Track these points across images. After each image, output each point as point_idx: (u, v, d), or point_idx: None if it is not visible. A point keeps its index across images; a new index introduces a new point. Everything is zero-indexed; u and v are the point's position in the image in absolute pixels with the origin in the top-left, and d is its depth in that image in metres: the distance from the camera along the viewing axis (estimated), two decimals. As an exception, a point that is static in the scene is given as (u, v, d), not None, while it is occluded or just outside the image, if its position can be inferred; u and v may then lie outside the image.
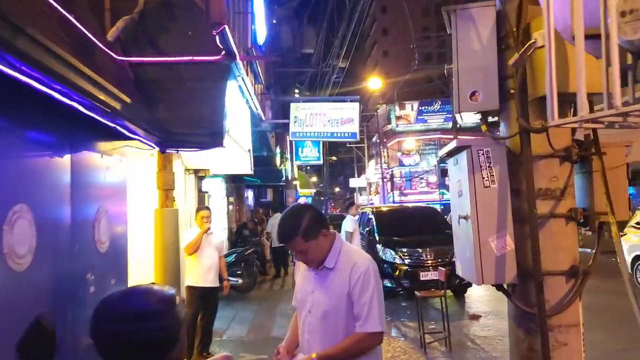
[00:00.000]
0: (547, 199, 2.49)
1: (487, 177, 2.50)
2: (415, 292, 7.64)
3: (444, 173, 32.39)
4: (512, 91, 2.58)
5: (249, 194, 18.08)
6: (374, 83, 24.45)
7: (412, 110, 48.85)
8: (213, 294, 6.76)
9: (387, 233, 11.40)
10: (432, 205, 25.63)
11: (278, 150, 11.90)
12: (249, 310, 9.55)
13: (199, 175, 7.74)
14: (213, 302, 6.84)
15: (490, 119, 2.81)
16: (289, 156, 16.03)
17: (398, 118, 48.71)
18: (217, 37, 4.71)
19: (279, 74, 16.90)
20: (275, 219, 13.71)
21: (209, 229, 6.62)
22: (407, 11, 15.86)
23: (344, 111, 8.14)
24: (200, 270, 6.58)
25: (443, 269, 7.52)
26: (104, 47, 4.36)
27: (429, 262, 10.56)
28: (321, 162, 20.18)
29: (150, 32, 5.24)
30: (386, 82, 27.67)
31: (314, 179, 40.34)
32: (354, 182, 58.52)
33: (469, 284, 10.76)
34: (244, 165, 7.22)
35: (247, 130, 6.73)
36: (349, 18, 10.47)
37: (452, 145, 2.75)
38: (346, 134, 8.20)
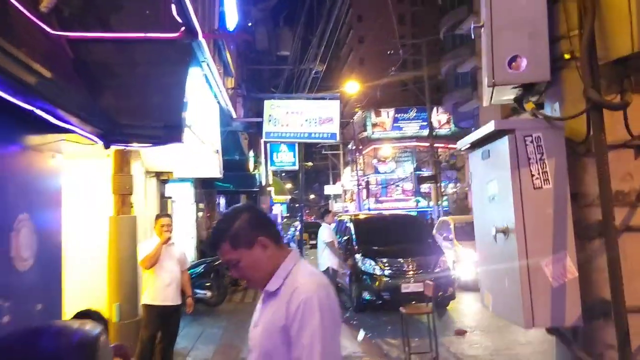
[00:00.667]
0: (617, 205, 1.75)
1: (539, 174, 1.75)
2: (401, 309, 6.89)
3: (421, 181, 31.83)
4: (567, 56, 1.85)
5: (221, 201, 17.17)
6: (351, 87, 23.76)
7: (388, 117, 48.57)
8: (174, 313, 5.88)
9: (366, 242, 10.66)
10: (411, 213, 25.09)
11: (251, 154, 11.10)
12: (217, 326, 8.66)
13: (162, 178, 6.87)
14: (174, 322, 5.96)
15: (530, 99, 2.07)
16: (263, 160, 15.16)
17: (374, 125, 48.35)
18: (173, 7, 3.90)
19: (252, 73, 16.05)
20: None
21: (169, 239, 5.76)
22: (390, 11, 15.23)
23: (323, 109, 7.33)
24: (159, 287, 5.70)
25: (430, 282, 6.79)
26: (33, 18, 3.51)
27: (411, 273, 9.86)
28: (297, 167, 19.30)
29: (100, 8, 4.41)
30: (363, 87, 27.04)
31: (289, 185, 39.49)
32: (329, 189, 57.84)
33: (452, 297, 10.08)
34: (212, 168, 6.39)
35: (215, 128, 5.92)
36: (327, 15, 9.82)
37: (485, 130, 2.00)
38: (325, 135, 7.40)
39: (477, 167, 2.20)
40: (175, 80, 4.11)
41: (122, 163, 6.12)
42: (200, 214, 12.42)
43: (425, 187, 41.96)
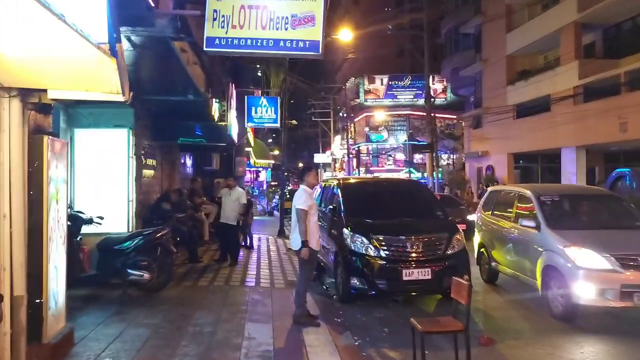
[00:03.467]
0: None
1: None
2: (413, 323, 4.32)
3: (416, 149, 29.19)
4: None
5: (187, 160, 14.43)
6: (345, 35, 20.66)
7: (382, 84, 45.74)
8: None
9: (357, 213, 8.07)
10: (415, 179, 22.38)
11: (211, 95, 8.39)
12: (145, 325, 6.06)
13: (31, 101, 4.14)
14: None
15: None
16: (233, 110, 12.27)
17: (367, 92, 45.52)
18: None
19: None
20: (225, 192, 10.21)
21: None
22: None
23: (299, 3, 4.56)
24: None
25: (464, 282, 4.23)
26: None
27: (416, 255, 7.29)
28: (278, 124, 16.52)
29: None
30: (357, 34, 23.92)
31: (276, 152, 36.68)
32: (318, 158, 55.34)
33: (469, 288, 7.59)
34: (107, 83, 3.68)
35: (97, 6, 3.24)
36: None
37: None
38: (302, 44, 4.60)
39: None
40: None
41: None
42: (150, 172, 9.69)
43: (417, 158, 39.53)
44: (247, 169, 19.42)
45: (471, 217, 13.31)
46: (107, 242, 7.33)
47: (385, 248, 7.32)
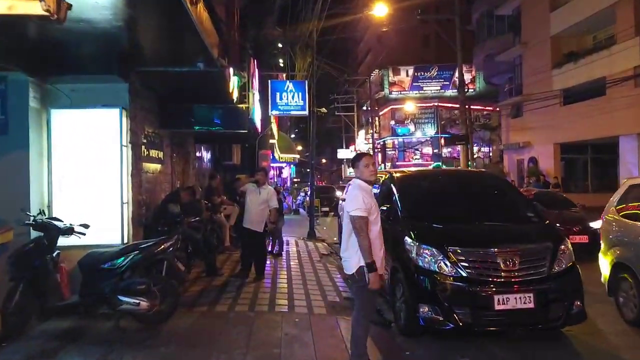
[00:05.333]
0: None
1: None
2: None
3: (449, 142, 26.87)
4: None
5: (204, 153, 12.48)
6: (380, 10, 18.35)
7: (407, 76, 43.33)
8: None
9: (421, 216, 6.00)
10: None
11: (227, 64, 6.41)
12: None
13: None
14: None
15: None
16: (253, 86, 10.12)
17: (391, 84, 43.16)
18: None
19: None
20: (251, 190, 8.13)
21: None
22: None
23: None
24: None
25: None
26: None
27: (511, 274, 5.18)
28: (306, 112, 14.39)
29: None
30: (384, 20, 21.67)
31: (299, 147, 34.69)
32: (342, 154, 53.33)
33: (581, 317, 5.33)
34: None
35: None
36: None
37: None
38: None
39: None
40: None
41: None
42: (156, 166, 7.77)
43: (445, 152, 37.21)
44: (271, 164, 17.36)
45: (595, 225, 9.32)
46: (92, 259, 5.42)
47: (466, 264, 5.24)
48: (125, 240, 6.03)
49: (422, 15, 26.81)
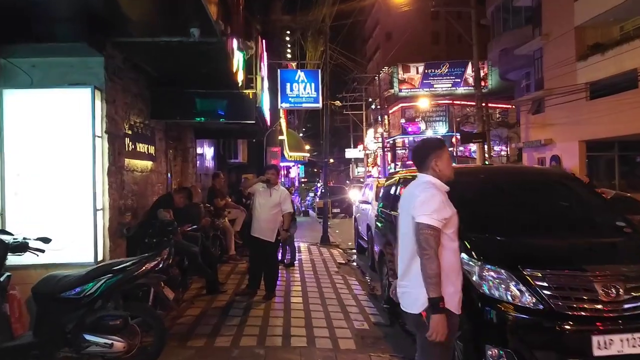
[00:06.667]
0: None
1: None
2: None
3: (465, 139, 25.40)
4: None
5: (207, 150, 11.08)
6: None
7: (417, 73, 41.83)
8: None
9: (477, 227, 4.55)
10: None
11: (230, 34, 5.05)
12: None
13: None
14: None
15: None
16: (260, 69, 8.61)
17: (401, 82, 41.65)
18: None
19: None
20: (261, 191, 6.67)
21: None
22: None
23: None
24: None
25: None
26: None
27: (616, 306, 3.77)
28: (319, 104, 12.90)
29: None
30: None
31: (307, 147, 33.26)
32: (350, 153, 51.99)
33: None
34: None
35: None
36: None
37: None
38: None
39: None
40: None
41: None
42: (146, 163, 6.38)
43: (458, 151, 35.83)
44: (280, 162, 15.92)
45: None
46: (50, 284, 4.04)
47: (549, 292, 3.83)
48: (100, 258, 4.65)
49: (436, 7, 25.31)
